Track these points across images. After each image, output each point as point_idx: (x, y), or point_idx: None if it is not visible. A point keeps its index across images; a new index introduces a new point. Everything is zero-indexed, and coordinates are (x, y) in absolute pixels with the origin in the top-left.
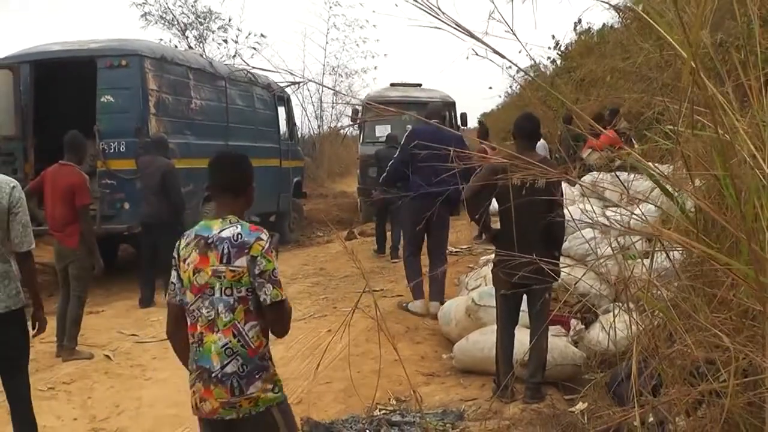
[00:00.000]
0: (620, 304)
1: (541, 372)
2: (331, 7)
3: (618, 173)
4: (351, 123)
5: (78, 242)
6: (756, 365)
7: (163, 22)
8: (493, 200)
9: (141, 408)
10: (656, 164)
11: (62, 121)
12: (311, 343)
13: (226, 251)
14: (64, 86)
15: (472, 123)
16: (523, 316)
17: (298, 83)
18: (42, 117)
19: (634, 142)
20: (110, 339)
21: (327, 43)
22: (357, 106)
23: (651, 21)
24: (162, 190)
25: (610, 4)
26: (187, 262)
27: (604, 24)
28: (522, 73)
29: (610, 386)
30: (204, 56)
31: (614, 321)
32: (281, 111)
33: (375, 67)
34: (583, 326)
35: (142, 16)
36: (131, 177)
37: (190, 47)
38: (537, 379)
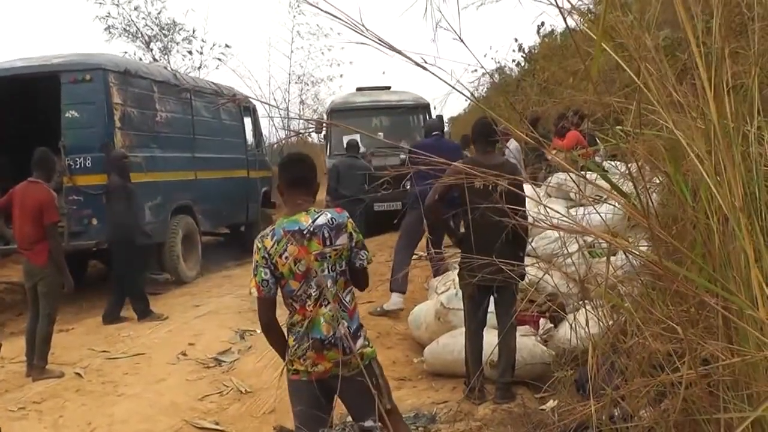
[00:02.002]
0: (584, 302)
1: (511, 372)
2: (295, 16)
3: (582, 173)
4: (315, 130)
5: (47, 260)
6: (713, 355)
7: (127, 34)
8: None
9: (113, 425)
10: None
11: (27, 138)
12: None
13: (326, 235)
14: (28, 103)
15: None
16: (491, 317)
17: (237, 99)
18: (6, 134)
19: (598, 142)
20: (81, 356)
21: (292, 51)
22: (321, 115)
23: (584, 27)
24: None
25: (561, 9)
26: (284, 257)
27: (567, 26)
28: (477, 81)
29: (579, 383)
30: (168, 68)
31: (575, 319)
32: (247, 121)
33: (341, 75)
34: (552, 325)
35: (105, 29)
36: (98, 192)
37: (155, 59)
38: (507, 379)
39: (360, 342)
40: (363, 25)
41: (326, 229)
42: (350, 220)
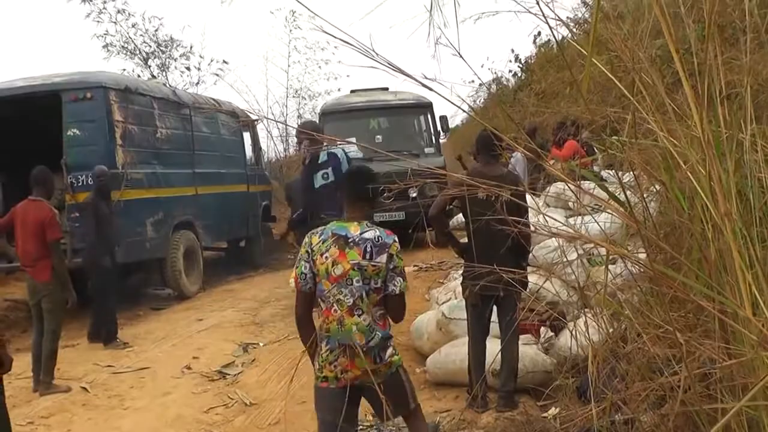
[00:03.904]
0: (584, 309)
1: (513, 380)
2: (291, 30)
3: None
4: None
5: (50, 276)
6: (712, 358)
7: (125, 52)
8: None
9: None
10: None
11: (29, 157)
12: (287, 365)
13: (368, 249)
14: (29, 122)
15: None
16: (494, 326)
17: (252, 120)
18: (8, 153)
19: (596, 151)
20: (86, 371)
21: (289, 66)
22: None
23: (576, 40)
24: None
25: (560, 20)
26: (325, 256)
27: (563, 36)
28: (476, 93)
29: (581, 390)
30: (167, 85)
31: (575, 326)
32: (246, 136)
33: (339, 89)
34: (553, 333)
35: (104, 47)
36: None
37: (153, 76)
38: (509, 388)
39: (389, 351)
40: (373, 50)
41: (370, 243)
42: (395, 243)
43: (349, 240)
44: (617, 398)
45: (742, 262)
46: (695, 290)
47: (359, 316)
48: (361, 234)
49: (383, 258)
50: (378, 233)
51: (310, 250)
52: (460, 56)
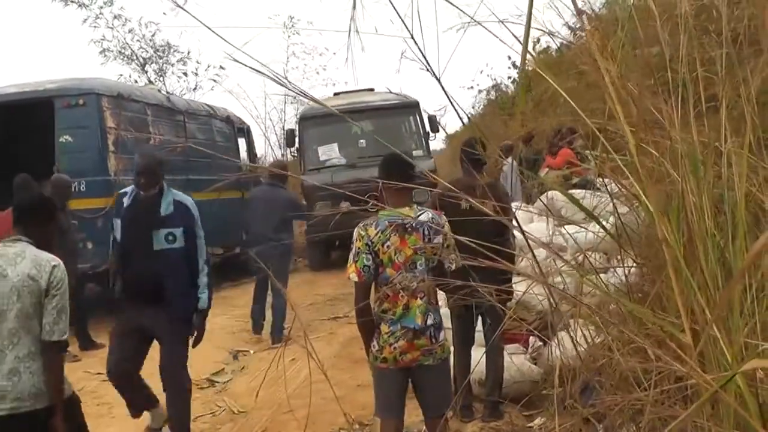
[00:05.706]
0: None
1: (498, 390)
2: (289, 36)
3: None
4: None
5: None
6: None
7: (122, 57)
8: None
9: None
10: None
11: (22, 164)
12: (275, 373)
13: (427, 232)
14: (22, 128)
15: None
16: (480, 335)
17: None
18: (1, 160)
19: (590, 160)
20: (77, 378)
21: (287, 71)
22: (292, 126)
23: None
24: None
25: (546, 32)
26: (387, 245)
27: (561, 43)
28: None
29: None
30: (163, 91)
31: (552, 336)
32: (241, 142)
33: (335, 94)
34: (542, 343)
35: (100, 52)
36: (93, 216)
37: (150, 81)
38: (494, 398)
39: (442, 333)
40: (286, 78)
41: (427, 226)
42: (446, 222)
43: (407, 226)
44: (588, 413)
45: (688, 285)
46: (646, 317)
47: (421, 298)
48: (417, 218)
49: (439, 238)
50: (431, 214)
51: (369, 243)
52: (429, 70)
